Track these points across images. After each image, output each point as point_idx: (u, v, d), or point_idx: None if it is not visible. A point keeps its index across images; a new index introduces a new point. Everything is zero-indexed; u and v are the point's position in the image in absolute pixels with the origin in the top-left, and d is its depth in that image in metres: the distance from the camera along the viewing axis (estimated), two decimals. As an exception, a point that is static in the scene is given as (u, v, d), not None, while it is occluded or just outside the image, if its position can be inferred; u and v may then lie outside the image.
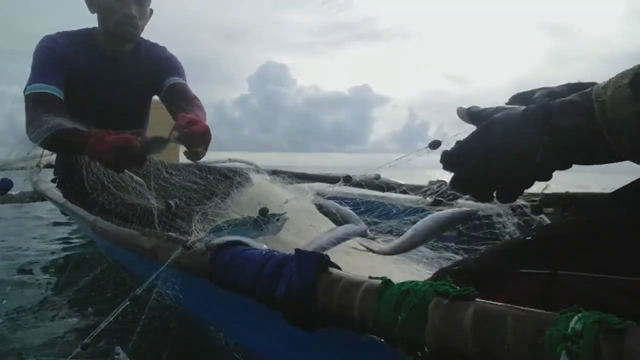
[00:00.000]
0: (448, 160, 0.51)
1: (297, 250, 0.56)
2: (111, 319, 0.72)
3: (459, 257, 0.89)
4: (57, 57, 1.45)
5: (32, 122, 1.29)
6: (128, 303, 0.73)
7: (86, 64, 1.51)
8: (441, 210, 0.87)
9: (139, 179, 1.45)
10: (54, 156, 1.83)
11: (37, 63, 1.44)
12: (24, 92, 1.40)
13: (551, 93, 0.51)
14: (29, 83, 1.41)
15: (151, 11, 1.57)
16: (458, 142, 0.51)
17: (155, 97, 1.78)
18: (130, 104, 1.66)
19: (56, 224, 2.56)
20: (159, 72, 1.66)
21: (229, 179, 1.49)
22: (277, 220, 0.89)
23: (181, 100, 1.57)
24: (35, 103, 1.35)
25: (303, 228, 1.03)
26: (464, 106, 0.58)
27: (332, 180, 2.43)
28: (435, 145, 0.61)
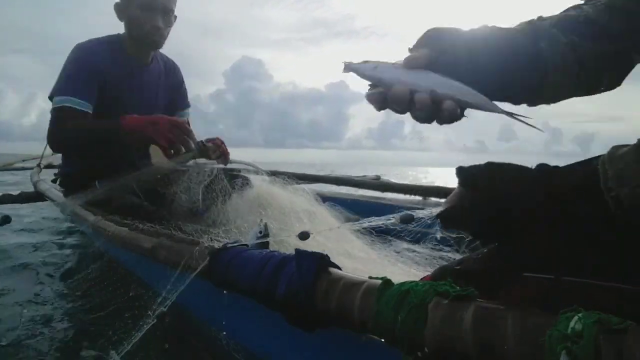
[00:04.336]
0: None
1: (297, 250, 0.57)
2: (140, 335, 0.72)
3: (458, 256, 0.89)
4: (92, 69, 1.49)
5: (60, 134, 1.42)
6: (155, 321, 0.73)
7: (120, 70, 1.60)
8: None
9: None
10: (55, 156, 1.85)
11: (71, 74, 1.47)
12: (52, 99, 1.44)
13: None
14: (60, 92, 1.43)
15: (175, 17, 1.62)
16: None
17: None
18: (158, 104, 1.74)
19: (56, 223, 2.57)
20: (173, 89, 1.78)
21: (231, 179, 1.50)
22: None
23: None
24: (67, 117, 1.40)
25: (301, 229, 1.03)
26: None
27: (333, 180, 2.43)
28: (407, 219, 0.65)
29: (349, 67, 0.51)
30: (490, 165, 0.50)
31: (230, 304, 0.79)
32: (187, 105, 1.86)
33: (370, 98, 0.49)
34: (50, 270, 1.60)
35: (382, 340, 0.42)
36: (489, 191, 0.48)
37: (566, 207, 0.42)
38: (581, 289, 0.41)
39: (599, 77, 0.53)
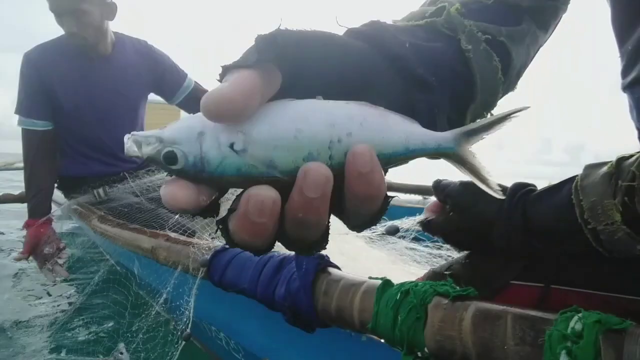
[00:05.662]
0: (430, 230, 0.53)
1: (296, 250, 0.56)
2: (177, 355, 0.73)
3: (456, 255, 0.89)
4: (42, 83, 1.51)
5: (27, 165, 1.51)
6: (184, 343, 0.74)
7: (71, 68, 1.53)
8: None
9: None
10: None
11: (23, 91, 1.53)
12: (18, 121, 1.54)
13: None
14: (20, 111, 1.53)
15: (114, 5, 1.52)
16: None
17: (153, 98, 1.79)
18: (131, 91, 1.68)
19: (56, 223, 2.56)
20: (156, 70, 1.69)
21: None
22: None
23: None
24: (29, 142, 1.52)
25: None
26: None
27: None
28: (392, 231, 0.64)
29: (134, 144, 0.25)
30: (463, 185, 0.49)
31: (230, 304, 0.79)
32: (184, 78, 1.76)
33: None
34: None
35: (382, 340, 0.42)
36: (464, 212, 0.48)
37: (544, 244, 0.42)
38: (571, 297, 0.41)
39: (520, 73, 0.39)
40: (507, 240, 0.44)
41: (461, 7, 0.34)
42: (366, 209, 0.25)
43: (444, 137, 0.28)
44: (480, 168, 0.28)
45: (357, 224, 0.27)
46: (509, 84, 0.37)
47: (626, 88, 0.48)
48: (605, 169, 0.37)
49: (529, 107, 0.27)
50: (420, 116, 0.30)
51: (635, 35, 0.45)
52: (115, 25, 1.61)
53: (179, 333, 0.74)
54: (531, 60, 0.40)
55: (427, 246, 1.05)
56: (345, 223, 0.27)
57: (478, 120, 0.30)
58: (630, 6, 0.45)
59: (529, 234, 0.42)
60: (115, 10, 1.54)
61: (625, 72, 0.48)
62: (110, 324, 1.06)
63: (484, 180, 0.28)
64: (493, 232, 0.45)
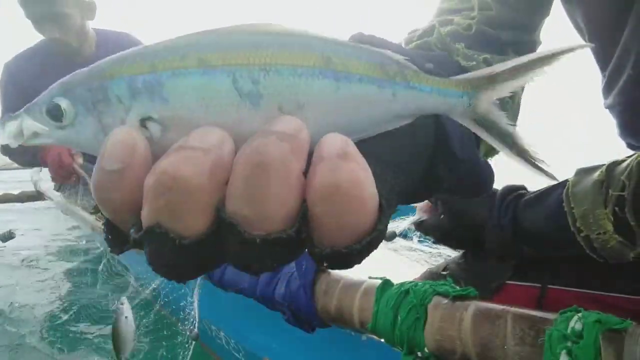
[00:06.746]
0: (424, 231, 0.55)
1: (296, 250, 0.56)
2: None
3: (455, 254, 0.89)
4: (21, 91, 1.45)
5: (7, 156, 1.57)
6: (193, 343, 0.75)
7: (54, 75, 1.48)
8: None
9: None
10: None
11: (4, 105, 1.48)
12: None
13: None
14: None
15: (93, 4, 1.46)
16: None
17: None
18: None
19: (57, 223, 2.56)
20: None
21: None
22: None
23: None
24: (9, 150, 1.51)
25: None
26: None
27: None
28: (389, 237, 0.66)
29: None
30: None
31: (230, 304, 0.79)
32: None
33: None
34: (52, 271, 1.60)
35: (382, 340, 0.42)
36: (454, 215, 0.48)
37: (534, 248, 0.42)
38: (568, 296, 0.41)
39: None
40: (496, 244, 0.44)
41: (447, 35, 0.32)
42: (339, 227, 0.16)
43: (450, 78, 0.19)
44: (511, 131, 0.19)
45: (327, 253, 0.17)
46: (513, 112, 0.35)
47: (607, 107, 0.49)
48: (596, 175, 0.37)
49: (592, 45, 0.20)
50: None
51: (611, 64, 0.44)
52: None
53: (188, 333, 0.75)
54: (521, 93, 0.38)
55: (426, 245, 1.05)
56: (310, 253, 0.18)
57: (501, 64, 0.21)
58: (604, 37, 0.45)
59: (519, 239, 0.43)
60: (95, 9, 1.47)
61: (605, 94, 0.49)
62: (109, 326, 1.06)
63: (520, 151, 0.19)
64: (483, 235, 0.45)
